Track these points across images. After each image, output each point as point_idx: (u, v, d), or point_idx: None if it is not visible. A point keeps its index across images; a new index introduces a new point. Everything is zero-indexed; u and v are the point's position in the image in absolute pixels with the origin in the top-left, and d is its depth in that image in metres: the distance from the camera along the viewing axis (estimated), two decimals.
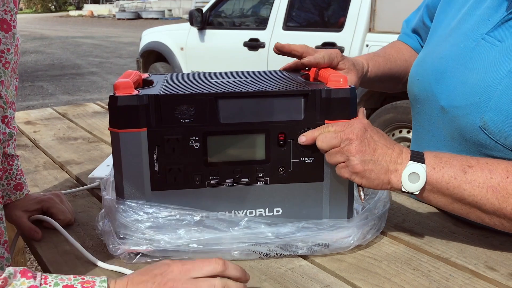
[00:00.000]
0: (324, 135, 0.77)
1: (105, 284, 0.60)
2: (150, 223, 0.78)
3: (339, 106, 0.80)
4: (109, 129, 0.77)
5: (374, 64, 1.07)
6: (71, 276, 0.60)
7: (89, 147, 1.46)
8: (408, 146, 3.52)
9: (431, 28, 1.06)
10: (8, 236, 0.82)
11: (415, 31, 1.17)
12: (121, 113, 0.75)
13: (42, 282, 0.58)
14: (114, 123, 0.76)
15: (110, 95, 0.76)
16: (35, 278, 0.57)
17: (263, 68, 4.11)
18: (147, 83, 0.88)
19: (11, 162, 0.96)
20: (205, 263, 0.65)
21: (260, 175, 0.81)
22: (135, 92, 0.77)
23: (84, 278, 0.60)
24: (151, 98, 0.76)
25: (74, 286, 0.59)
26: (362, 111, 0.82)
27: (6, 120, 0.81)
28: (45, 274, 0.60)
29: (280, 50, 0.96)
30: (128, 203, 0.78)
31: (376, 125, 3.54)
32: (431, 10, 1.09)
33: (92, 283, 0.59)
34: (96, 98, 6.98)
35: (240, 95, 0.79)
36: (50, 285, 0.58)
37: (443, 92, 0.91)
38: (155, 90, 0.80)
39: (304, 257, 0.83)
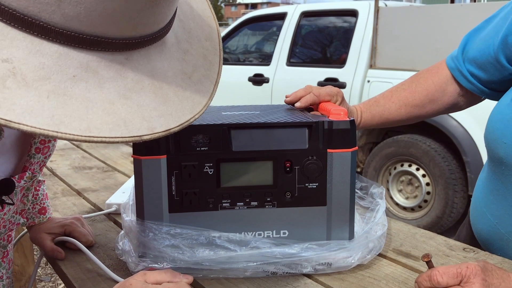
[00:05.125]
0: None
1: None
2: (168, 242, 0.85)
3: (340, 137, 0.88)
4: (132, 156, 0.85)
5: (368, 116, 1.11)
6: None
7: (103, 175, 1.54)
8: (410, 180, 3.53)
9: None
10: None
11: (475, 62, 1.03)
12: (144, 142, 0.83)
13: None
14: (137, 151, 0.84)
15: None
16: None
17: (267, 102, 4.22)
18: None
19: (37, 188, 1.03)
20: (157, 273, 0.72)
21: (268, 199, 0.89)
22: None
23: None
24: None
25: None
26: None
27: (23, 213, 0.89)
28: None
29: (291, 103, 1.05)
30: (147, 223, 0.86)
31: (378, 159, 3.63)
32: (510, 48, 0.94)
33: None
34: None
35: (251, 125, 0.88)
36: None
37: None
38: None
39: (309, 275, 0.89)
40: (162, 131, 0.52)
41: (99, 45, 0.49)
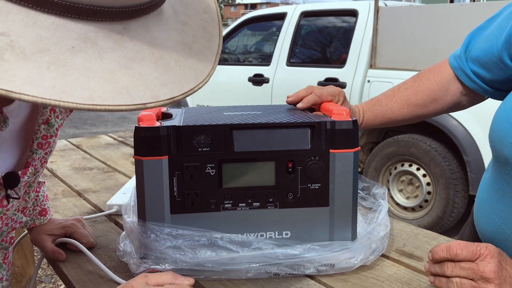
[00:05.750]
0: (456, 270, 0.75)
1: None
2: (169, 244, 0.84)
3: (342, 137, 0.87)
4: (133, 157, 0.85)
5: (370, 116, 1.11)
6: None
7: (104, 176, 1.53)
8: (410, 179, 3.52)
9: None
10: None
11: (478, 62, 1.03)
12: (145, 142, 0.83)
13: None
14: (139, 152, 0.84)
15: (136, 126, 0.84)
16: None
17: (267, 102, 4.22)
18: (166, 115, 0.97)
19: (38, 189, 1.03)
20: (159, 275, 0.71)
21: (270, 200, 0.88)
22: (158, 124, 0.85)
23: None
24: (173, 129, 0.84)
25: None
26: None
27: (25, 211, 0.89)
28: None
29: (293, 103, 1.04)
30: (149, 224, 0.85)
31: (379, 159, 3.62)
32: None
33: None
34: (102, 131, 7.09)
35: (253, 126, 0.87)
36: None
37: None
38: (175, 121, 0.88)
39: (311, 276, 0.89)
40: (166, 99, 0.51)
41: (96, 15, 0.48)
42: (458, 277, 0.74)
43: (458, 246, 0.74)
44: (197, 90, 0.55)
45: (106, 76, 0.48)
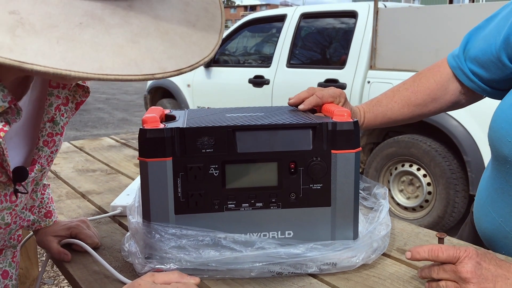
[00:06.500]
0: (441, 272, 0.79)
1: None
2: (174, 244, 0.86)
3: (344, 138, 0.88)
4: (138, 158, 0.86)
5: (371, 116, 1.13)
6: None
7: (107, 178, 1.54)
8: (411, 180, 3.53)
9: None
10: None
11: (477, 61, 1.05)
12: (150, 144, 0.84)
13: None
14: (143, 153, 0.85)
15: (140, 128, 0.85)
16: None
17: (268, 103, 4.23)
18: (169, 117, 0.98)
19: (43, 192, 1.04)
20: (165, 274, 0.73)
21: (273, 200, 0.90)
22: (162, 126, 0.86)
23: None
24: (177, 131, 0.85)
25: None
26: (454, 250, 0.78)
27: (32, 209, 0.90)
28: None
29: (295, 105, 1.06)
30: (153, 225, 0.87)
31: (379, 159, 3.64)
32: None
33: None
34: (103, 133, 7.10)
35: (255, 127, 0.88)
36: None
37: None
38: (179, 123, 0.89)
39: (314, 275, 0.90)
40: (173, 71, 0.53)
41: None
42: (443, 280, 0.78)
43: (440, 250, 0.78)
44: (202, 64, 0.56)
45: (115, 49, 0.50)
